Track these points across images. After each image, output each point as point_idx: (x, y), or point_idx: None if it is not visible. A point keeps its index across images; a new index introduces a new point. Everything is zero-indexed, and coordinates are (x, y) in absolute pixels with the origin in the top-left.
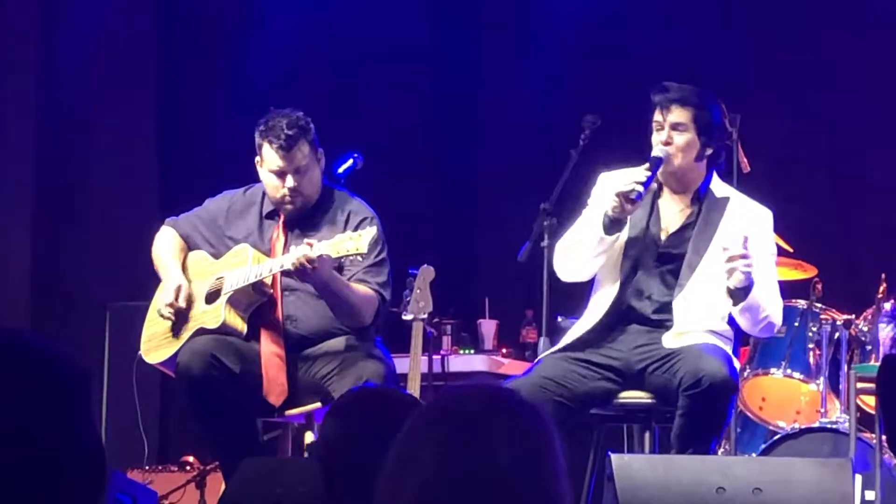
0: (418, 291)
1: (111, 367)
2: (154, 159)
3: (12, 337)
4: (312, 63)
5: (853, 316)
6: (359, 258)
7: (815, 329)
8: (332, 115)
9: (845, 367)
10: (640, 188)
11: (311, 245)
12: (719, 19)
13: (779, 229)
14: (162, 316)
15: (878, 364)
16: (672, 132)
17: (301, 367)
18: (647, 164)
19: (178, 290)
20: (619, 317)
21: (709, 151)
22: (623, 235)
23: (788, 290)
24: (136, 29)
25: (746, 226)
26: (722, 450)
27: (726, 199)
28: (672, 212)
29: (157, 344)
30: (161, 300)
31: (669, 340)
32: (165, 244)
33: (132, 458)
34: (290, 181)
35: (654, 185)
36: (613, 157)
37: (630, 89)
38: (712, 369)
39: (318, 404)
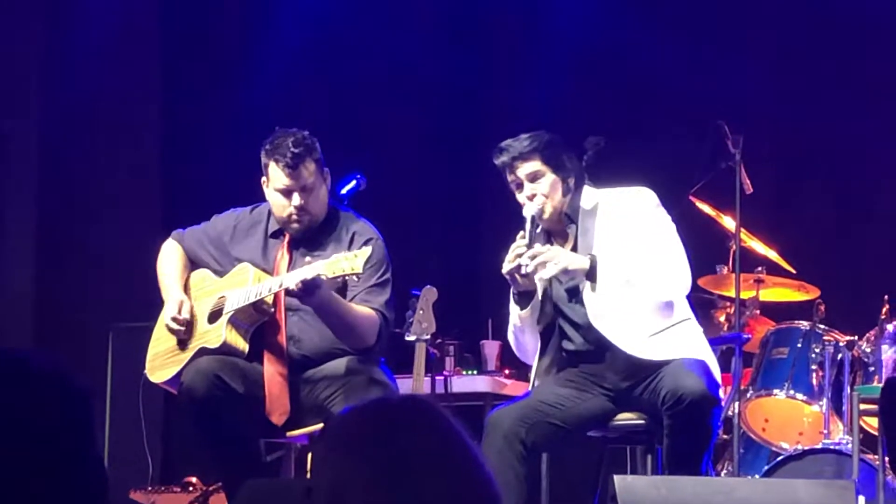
0: (421, 312)
1: (114, 387)
2: (157, 181)
3: (14, 355)
4: (316, 83)
5: (856, 337)
6: (354, 278)
7: (818, 350)
8: (336, 136)
9: (848, 389)
10: (525, 260)
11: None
12: (724, 41)
13: (782, 251)
14: (170, 330)
15: (881, 385)
16: (532, 185)
17: (304, 388)
18: (521, 233)
19: (181, 304)
20: (577, 353)
21: (571, 181)
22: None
23: (791, 311)
24: (140, 50)
25: (623, 213)
26: (725, 471)
27: (596, 206)
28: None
29: (161, 363)
30: (166, 315)
31: (633, 349)
32: (170, 260)
33: (136, 479)
34: (296, 199)
35: (542, 236)
36: (618, 179)
37: (634, 111)
38: (691, 386)
39: (321, 425)
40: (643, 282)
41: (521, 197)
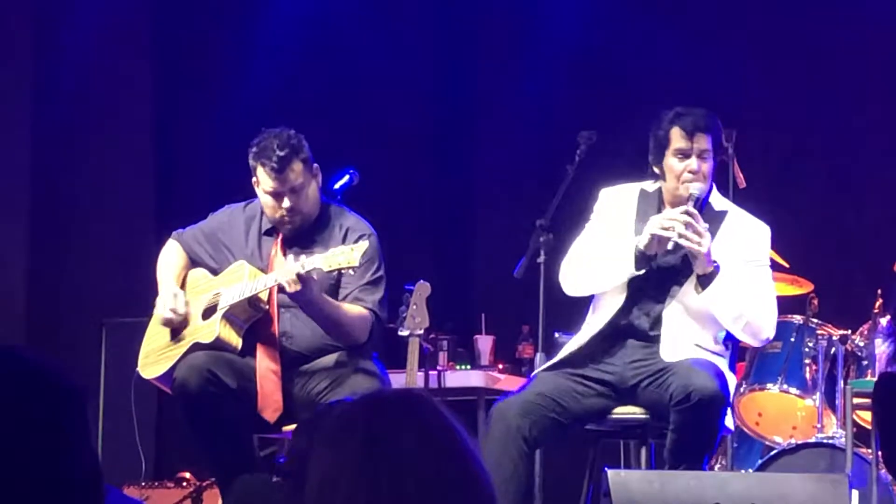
0: (414, 307)
1: (107, 383)
2: (150, 176)
3: (7, 352)
4: (309, 78)
5: (849, 331)
6: (351, 272)
7: (811, 344)
8: (329, 131)
9: (842, 383)
10: (680, 227)
11: (301, 262)
12: (715, 35)
13: (775, 245)
14: (165, 321)
15: (874, 379)
16: (699, 160)
17: (297, 383)
18: (684, 207)
19: (175, 295)
20: (617, 333)
21: (712, 173)
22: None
23: (785, 305)
24: (133, 47)
25: (742, 238)
26: (718, 465)
27: (724, 213)
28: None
29: (154, 359)
30: (162, 307)
31: (667, 353)
32: (168, 259)
33: (129, 474)
34: (286, 202)
35: (657, 201)
36: (609, 173)
37: (626, 105)
38: (702, 384)
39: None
40: (739, 316)
41: (680, 165)
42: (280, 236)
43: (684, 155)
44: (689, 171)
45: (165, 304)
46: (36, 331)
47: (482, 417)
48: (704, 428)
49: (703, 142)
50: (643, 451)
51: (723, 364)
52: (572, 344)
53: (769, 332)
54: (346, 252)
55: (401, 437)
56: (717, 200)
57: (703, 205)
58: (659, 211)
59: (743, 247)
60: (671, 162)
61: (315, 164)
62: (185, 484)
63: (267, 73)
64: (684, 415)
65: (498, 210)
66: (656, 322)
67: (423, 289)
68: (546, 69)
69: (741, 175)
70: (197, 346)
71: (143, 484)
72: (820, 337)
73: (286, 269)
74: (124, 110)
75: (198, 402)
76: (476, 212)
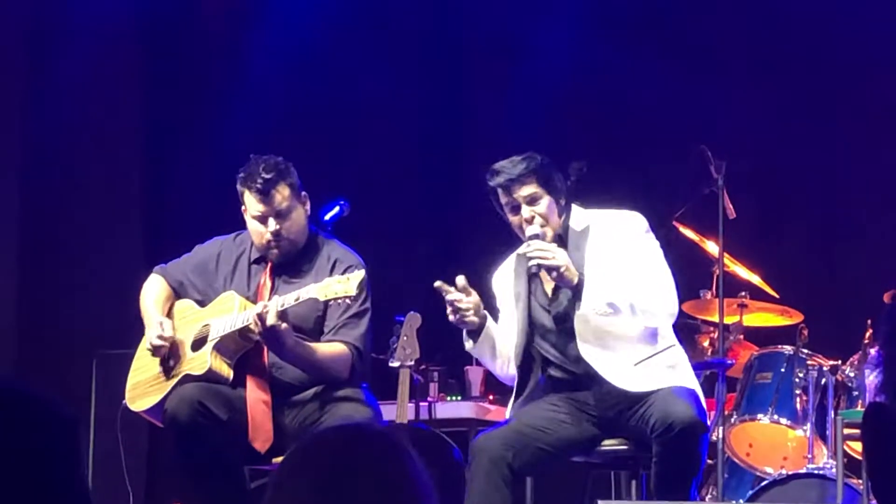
0: (405, 338)
1: (98, 414)
2: (139, 208)
3: (3, 383)
4: (299, 110)
5: (839, 361)
6: (347, 300)
7: (801, 375)
8: (319, 162)
9: (832, 413)
10: (532, 248)
11: (267, 308)
12: (707, 65)
13: (765, 275)
14: (154, 349)
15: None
16: (530, 207)
17: (287, 413)
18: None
19: (162, 324)
20: (564, 381)
21: (563, 201)
22: (517, 319)
23: (775, 336)
24: (123, 79)
25: (612, 236)
26: (709, 496)
27: (587, 227)
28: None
29: (142, 391)
30: (150, 336)
31: (624, 383)
32: (151, 292)
33: None
34: (272, 225)
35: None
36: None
37: (617, 136)
38: (681, 413)
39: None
40: (631, 307)
41: (516, 219)
42: (269, 265)
43: (512, 209)
44: (526, 220)
45: (153, 332)
46: (26, 362)
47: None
48: (688, 455)
49: (525, 190)
50: (633, 483)
51: (681, 356)
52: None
53: (671, 305)
54: (343, 282)
55: (355, 481)
56: (578, 220)
57: (566, 221)
58: (531, 269)
59: (615, 241)
60: (511, 220)
61: (304, 193)
62: None
63: (257, 105)
64: (667, 445)
65: (488, 241)
66: (578, 361)
67: (413, 320)
68: (537, 101)
69: (731, 206)
70: (188, 378)
71: None
72: (810, 367)
73: (265, 305)
74: (113, 144)
75: (189, 434)
76: (466, 242)
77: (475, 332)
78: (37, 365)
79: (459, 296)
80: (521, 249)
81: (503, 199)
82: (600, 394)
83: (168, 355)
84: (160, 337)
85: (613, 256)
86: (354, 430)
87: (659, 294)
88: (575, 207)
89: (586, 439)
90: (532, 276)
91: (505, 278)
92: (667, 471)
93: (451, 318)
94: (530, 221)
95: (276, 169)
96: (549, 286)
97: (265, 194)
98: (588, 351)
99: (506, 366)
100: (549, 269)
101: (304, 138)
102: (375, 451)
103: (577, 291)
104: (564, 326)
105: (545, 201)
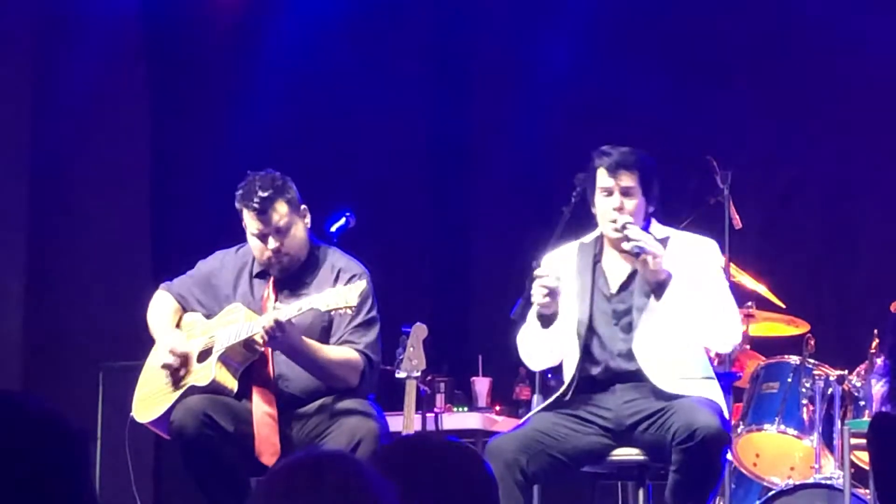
0: (411, 349)
1: (105, 427)
2: (146, 219)
3: (8, 398)
4: (306, 121)
5: (846, 371)
6: (348, 311)
7: (808, 385)
8: (325, 173)
9: (839, 423)
10: (633, 231)
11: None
12: (711, 76)
13: (771, 285)
14: (166, 364)
15: None
16: (623, 198)
17: (294, 426)
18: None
19: (176, 337)
20: (598, 379)
21: (650, 210)
22: (575, 309)
23: (781, 345)
24: (130, 89)
25: (688, 257)
26: None
27: (665, 239)
28: (615, 268)
29: (148, 403)
30: (164, 347)
31: (660, 382)
32: (159, 308)
33: None
34: (271, 243)
35: (595, 249)
36: None
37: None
38: (706, 422)
39: None
40: (703, 320)
41: (606, 202)
42: (272, 278)
43: (608, 193)
44: (614, 209)
45: (165, 346)
46: (33, 375)
47: None
48: (709, 466)
49: (627, 179)
50: (640, 493)
51: (716, 390)
52: (560, 391)
53: (735, 335)
54: (344, 292)
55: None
56: (657, 230)
57: (644, 229)
58: (597, 258)
59: (692, 264)
60: (598, 200)
61: (303, 206)
62: None
63: (265, 118)
64: (688, 454)
65: (494, 251)
66: (626, 356)
67: (419, 331)
68: (542, 112)
69: (737, 216)
70: (193, 390)
71: None
72: (817, 377)
73: (266, 316)
74: (121, 155)
75: (195, 446)
76: (473, 253)
77: (549, 320)
78: (43, 377)
79: (555, 281)
80: (616, 227)
81: (602, 181)
82: (624, 399)
83: (176, 367)
84: (171, 350)
85: (692, 277)
86: (319, 457)
87: (728, 323)
88: (654, 221)
89: (598, 450)
90: (595, 267)
91: (562, 264)
92: (686, 480)
93: (539, 299)
94: (620, 210)
95: (272, 186)
96: (614, 280)
97: (263, 213)
98: (642, 347)
99: (552, 356)
100: (648, 254)
101: (310, 150)
102: (341, 477)
103: (661, 285)
104: (622, 322)
105: (638, 199)
